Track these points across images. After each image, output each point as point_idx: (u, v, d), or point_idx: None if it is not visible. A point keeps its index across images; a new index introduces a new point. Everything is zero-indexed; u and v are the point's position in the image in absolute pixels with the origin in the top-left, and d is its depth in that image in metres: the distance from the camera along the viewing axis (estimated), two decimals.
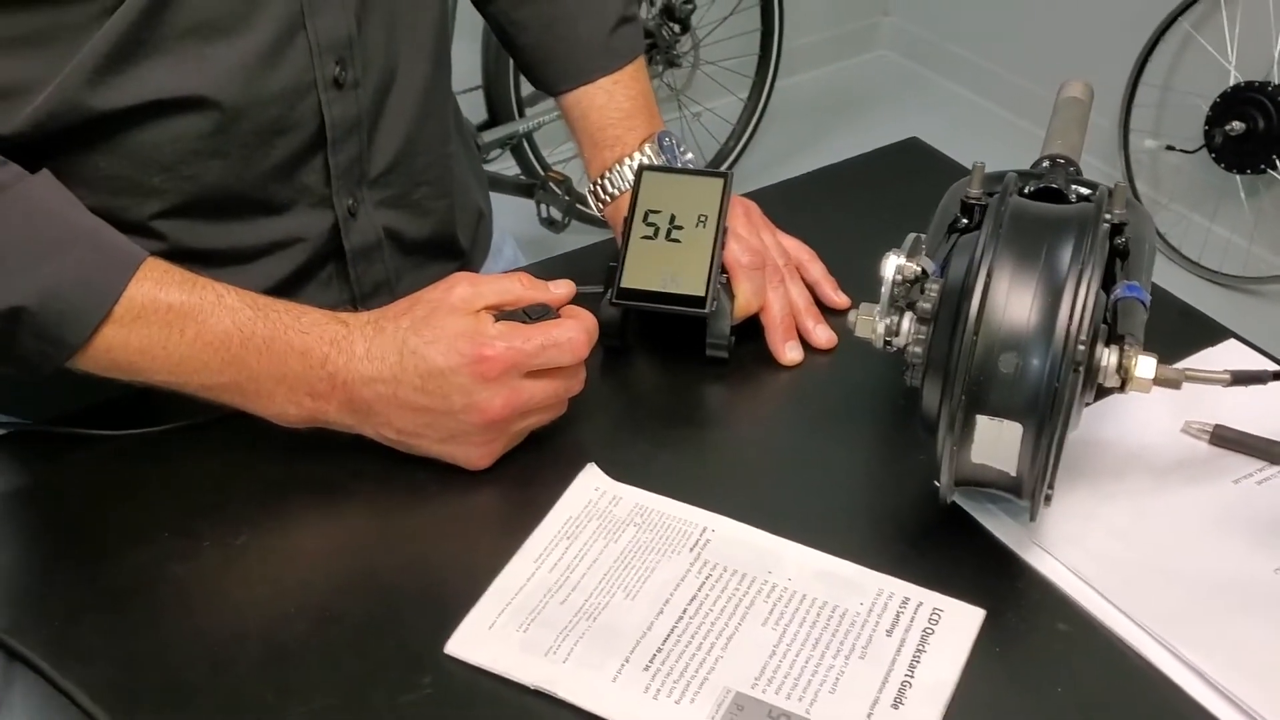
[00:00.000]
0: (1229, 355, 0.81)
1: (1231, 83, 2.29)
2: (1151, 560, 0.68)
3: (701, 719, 0.59)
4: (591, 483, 0.73)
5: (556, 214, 2.27)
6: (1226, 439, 0.74)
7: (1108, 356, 0.64)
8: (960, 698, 0.61)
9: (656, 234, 0.80)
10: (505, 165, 2.34)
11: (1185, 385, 0.66)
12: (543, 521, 0.70)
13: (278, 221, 0.80)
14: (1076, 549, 0.68)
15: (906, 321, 0.67)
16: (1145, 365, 0.64)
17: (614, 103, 0.91)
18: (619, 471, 0.73)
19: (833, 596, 0.65)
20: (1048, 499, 0.65)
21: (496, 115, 2.24)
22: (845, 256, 0.88)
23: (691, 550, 0.68)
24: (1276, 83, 2.23)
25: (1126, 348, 0.64)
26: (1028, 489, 0.64)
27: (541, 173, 2.29)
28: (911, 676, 0.61)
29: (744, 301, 0.81)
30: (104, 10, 0.68)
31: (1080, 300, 0.61)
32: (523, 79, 2.22)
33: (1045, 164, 0.76)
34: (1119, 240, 0.70)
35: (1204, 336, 0.83)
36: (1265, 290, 2.34)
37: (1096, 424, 0.75)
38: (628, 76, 0.92)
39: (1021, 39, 2.78)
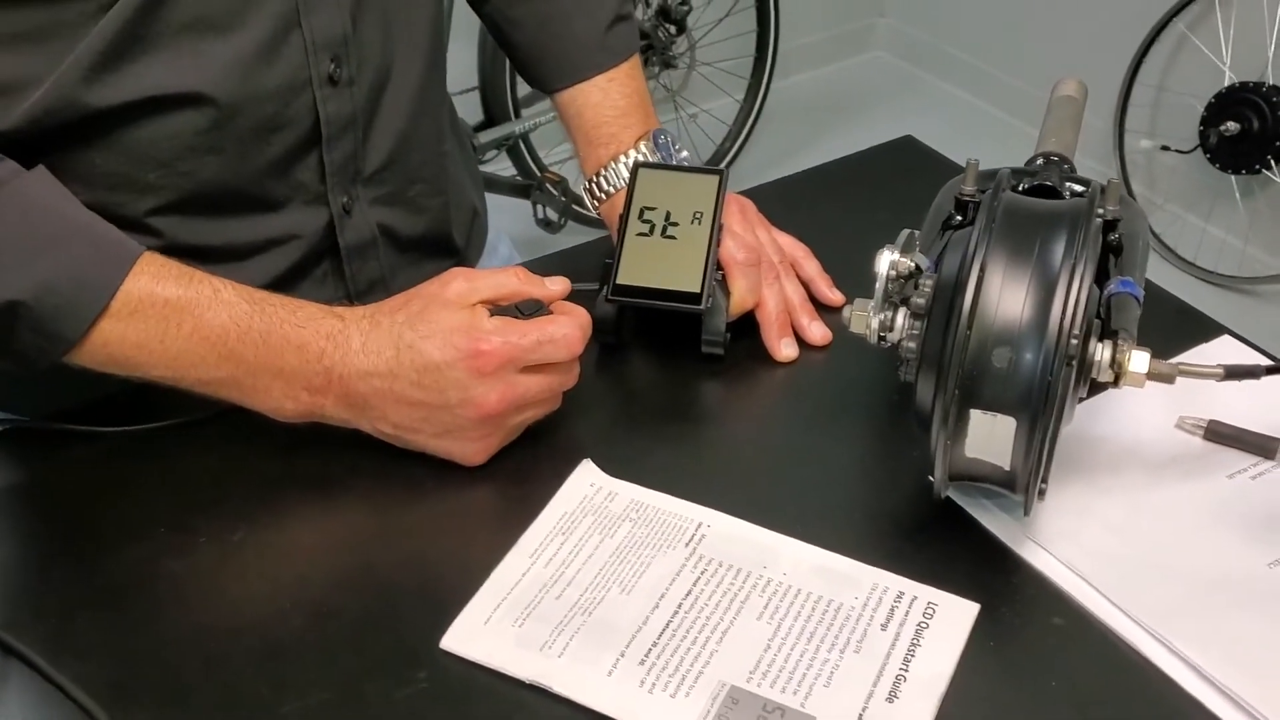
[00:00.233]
0: (1223, 351, 0.82)
1: (1226, 83, 2.29)
2: (1146, 555, 0.68)
3: (697, 713, 0.59)
4: (587, 478, 0.73)
5: (553, 215, 2.27)
6: (1220, 434, 0.75)
7: (1101, 351, 0.64)
8: (955, 691, 0.61)
9: (652, 231, 0.80)
10: (501, 166, 2.34)
11: (1179, 381, 0.66)
12: (538, 517, 0.70)
13: (273, 218, 0.80)
14: (1071, 544, 0.68)
15: (900, 317, 0.67)
16: (1139, 360, 0.64)
17: (609, 100, 0.91)
18: (614, 467, 0.73)
19: (828, 591, 0.66)
20: (1041, 493, 0.66)
21: (492, 116, 2.24)
22: (840, 254, 0.88)
23: (687, 545, 0.68)
24: (1271, 83, 2.24)
25: (1120, 342, 0.65)
26: (1021, 483, 0.64)
27: (538, 174, 2.29)
28: (906, 670, 0.62)
29: (739, 298, 0.81)
30: (100, 7, 0.68)
31: (1073, 294, 0.61)
32: (519, 80, 2.22)
33: (1039, 161, 0.77)
34: (1112, 236, 0.70)
35: (1198, 333, 0.83)
36: (1260, 290, 2.35)
37: (1090, 420, 0.75)
38: (623, 74, 0.92)
39: (1017, 40, 2.78)
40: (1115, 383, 0.65)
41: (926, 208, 0.79)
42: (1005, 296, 0.61)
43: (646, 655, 0.62)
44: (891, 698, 0.60)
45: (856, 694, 0.60)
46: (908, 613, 0.64)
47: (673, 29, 2.39)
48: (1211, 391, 0.71)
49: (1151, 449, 0.75)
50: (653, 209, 0.81)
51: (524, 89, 2.25)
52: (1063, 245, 0.62)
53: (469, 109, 2.16)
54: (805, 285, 0.87)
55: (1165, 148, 2.45)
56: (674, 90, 2.53)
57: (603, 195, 0.90)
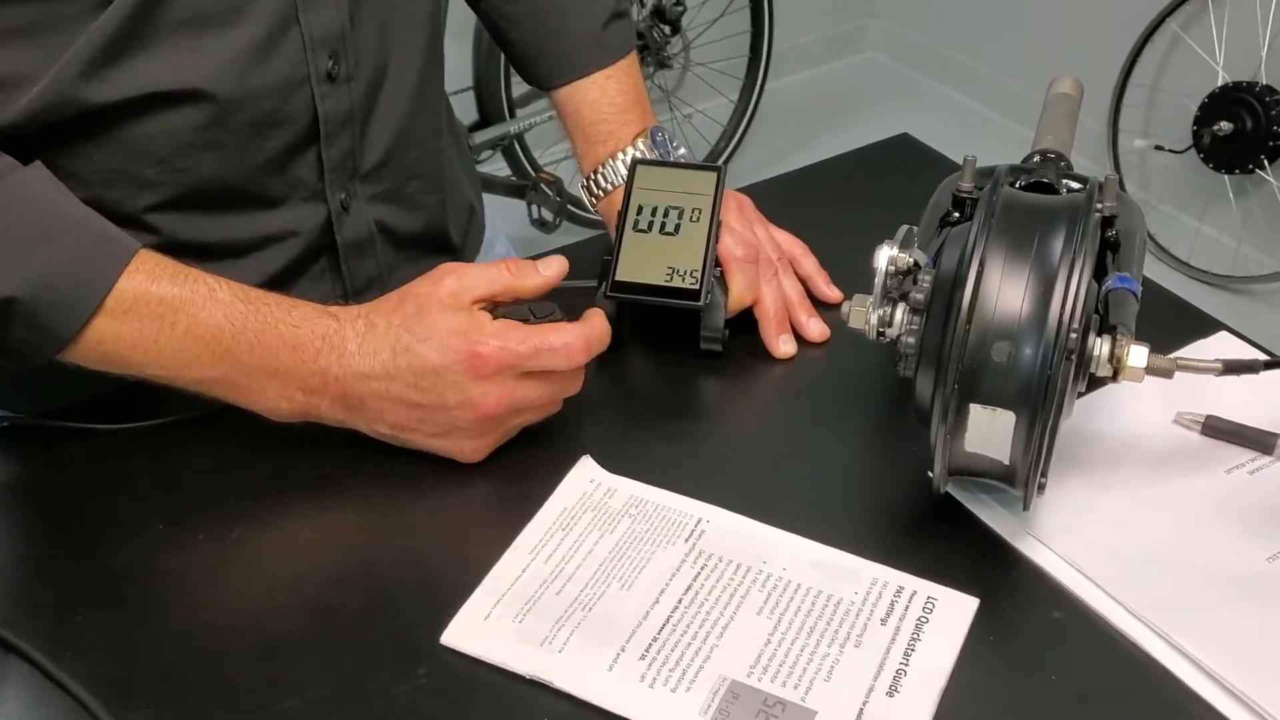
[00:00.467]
0: (1220, 347, 0.82)
1: (1219, 83, 2.30)
2: (1145, 550, 0.68)
3: (697, 707, 0.59)
4: (586, 475, 0.73)
5: (548, 215, 2.27)
6: (1218, 429, 0.75)
7: (1100, 346, 0.65)
8: (955, 685, 0.61)
9: (650, 228, 0.80)
10: (496, 166, 2.34)
11: (1177, 376, 0.66)
12: (538, 513, 0.70)
13: (271, 215, 0.80)
14: (1070, 539, 0.68)
15: (899, 312, 0.67)
16: (1138, 354, 0.64)
17: (606, 98, 0.91)
18: (614, 463, 0.73)
19: (827, 586, 0.66)
20: (1041, 488, 0.66)
21: (487, 116, 2.24)
22: (837, 251, 0.88)
23: (687, 541, 0.68)
24: (1264, 83, 2.24)
25: (1119, 337, 0.65)
26: (1021, 478, 0.64)
27: (533, 174, 2.29)
28: (906, 665, 0.62)
29: (738, 295, 0.81)
30: (98, 3, 0.68)
31: (1072, 289, 0.61)
32: (514, 80, 2.22)
33: (1036, 159, 0.77)
34: (1110, 233, 0.71)
35: (1195, 329, 0.83)
36: (1254, 290, 2.35)
37: (1089, 416, 0.75)
38: (620, 71, 0.92)
39: (1011, 41, 2.79)
40: (1114, 377, 0.65)
41: (923, 205, 0.80)
42: (1004, 291, 0.61)
43: (647, 650, 0.62)
44: (892, 692, 0.60)
45: (857, 688, 0.60)
46: (907, 607, 0.64)
47: (667, 29, 2.39)
48: (1209, 387, 0.71)
49: (1150, 444, 0.75)
50: (652, 206, 0.81)
51: (518, 89, 2.25)
52: (1062, 240, 0.62)
53: (463, 109, 2.16)
54: (803, 282, 0.87)
55: (1159, 147, 2.46)
56: (668, 90, 2.54)
57: (601, 192, 0.90)
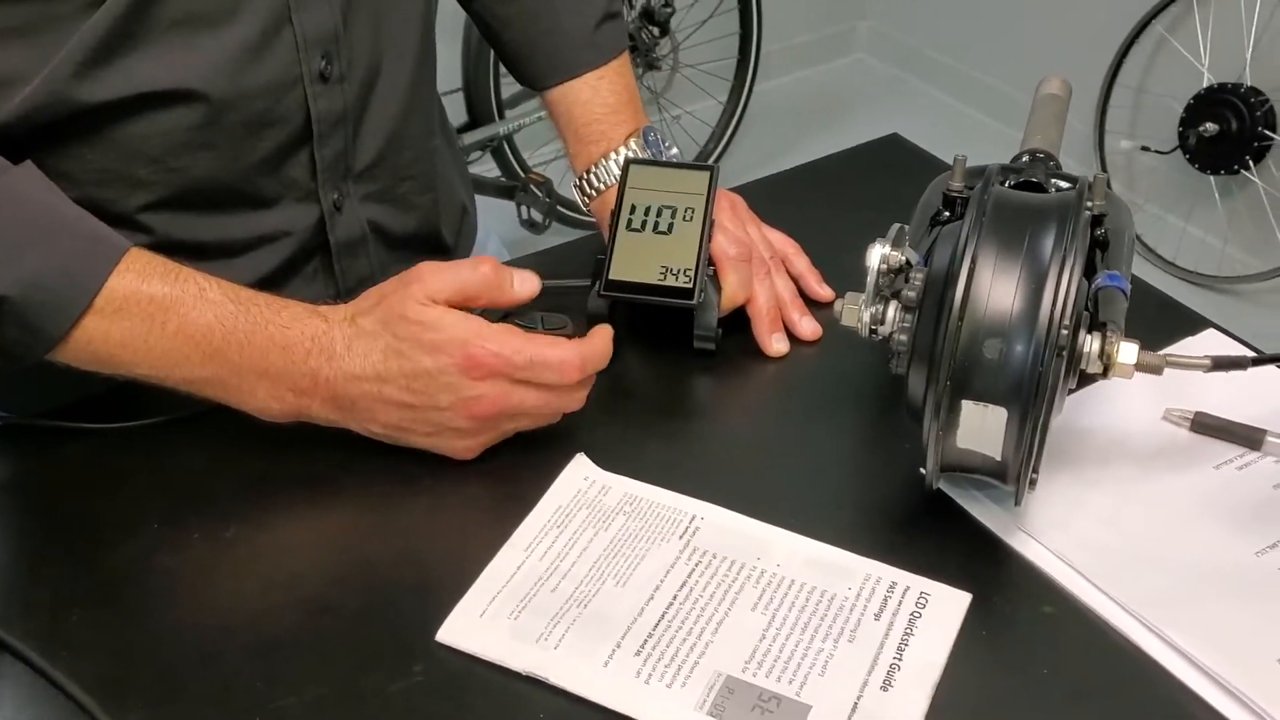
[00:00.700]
0: (1208, 344, 0.83)
1: (1205, 84, 2.31)
2: (1135, 545, 0.68)
3: (693, 702, 0.60)
4: (581, 472, 0.73)
5: (537, 216, 2.27)
6: (1207, 426, 0.75)
7: (1090, 343, 0.65)
8: (948, 680, 0.61)
9: (644, 227, 0.81)
10: (486, 167, 2.34)
11: (1166, 373, 0.67)
12: (532, 511, 0.70)
13: (264, 215, 0.80)
14: (1061, 534, 0.69)
15: (891, 310, 0.68)
16: (1127, 351, 0.65)
17: (599, 98, 0.92)
18: (608, 461, 0.74)
19: (821, 582, 0.66)
20: (1033, 483, 0.66)
21: (477, 117, 2.24)
22: (829, 250, 0.88)
23: (681, 538, 0.69)
24: (1249, 84, 2.26)
25: (1109, 334, 0.65)
26: (1013, 473, 0.65)
27: (522, 175, 2.29)
28: (900, 659, 0.62)
29: (731, 293, 0.82)
30: (91, 3, 0.68)
31: (1063, 286, 0.61)
32: (503, 81, 2.22)
33: (1025, 158, 0.77)
34: (1099, 231, 0.71)
35: (1183, 327, 0.84)
36: (1240, 290, 2.37)
37: (1079, 413, 0.75)
38: (612, 72, 0.93)
39: (998, 42, 2.80)
40: (1104, 374, 0.66)
41: (913, 205, 0.80)
42: (996, 288, 0.62)
43: (642, 646, 0.62)
44: (885, 686, 0.61)
45: (851, 683, 0.61)
46: (900, 603, 0.65)
47: (656, 31, 2.39)
48: (1198, 383, 0.72)
49: (1139, 441, 0.75)
50: (644, 205, 0.81)
51: (508, 90, 2.25)
52: (1052, 237, 0.63)
53: (453, 110, 2.15)
54: (795, 281, 0.87)
55: (1145, 148, 2.47)
56: (657, 92, 2.54)
57: (593, 192, 0.90)
